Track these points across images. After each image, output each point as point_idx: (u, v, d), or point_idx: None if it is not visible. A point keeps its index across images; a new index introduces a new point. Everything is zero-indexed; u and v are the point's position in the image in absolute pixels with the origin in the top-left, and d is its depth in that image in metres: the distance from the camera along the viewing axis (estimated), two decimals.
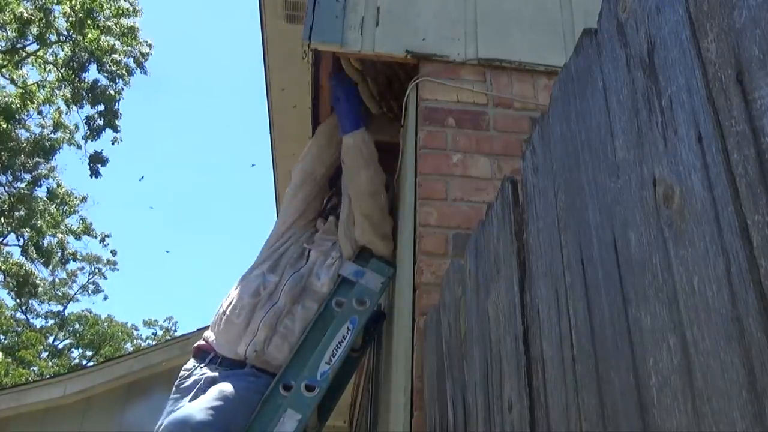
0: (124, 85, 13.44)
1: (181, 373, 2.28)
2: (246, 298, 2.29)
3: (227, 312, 2.28)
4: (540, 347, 0.96)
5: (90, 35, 12.60)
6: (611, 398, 0.74)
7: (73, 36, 12.71)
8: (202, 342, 2.33)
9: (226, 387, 2.11)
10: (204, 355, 2.26)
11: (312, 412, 2.05)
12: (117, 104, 13.33)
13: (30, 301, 18.27)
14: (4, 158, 13.04)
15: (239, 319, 2.24)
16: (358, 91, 2.51)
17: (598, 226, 0.82)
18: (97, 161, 13.70)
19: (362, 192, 2.39)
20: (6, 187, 13.82)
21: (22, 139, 13.50)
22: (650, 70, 0.73)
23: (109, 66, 13.03)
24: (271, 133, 4.50)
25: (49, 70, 13.33)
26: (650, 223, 0.70)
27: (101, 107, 13.27)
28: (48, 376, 14.00)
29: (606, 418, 0.75)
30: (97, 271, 19.72)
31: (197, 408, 2.03)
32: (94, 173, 13.72)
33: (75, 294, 19.86)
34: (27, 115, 13.47)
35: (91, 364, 16.45)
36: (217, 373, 2.18)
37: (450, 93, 2.24)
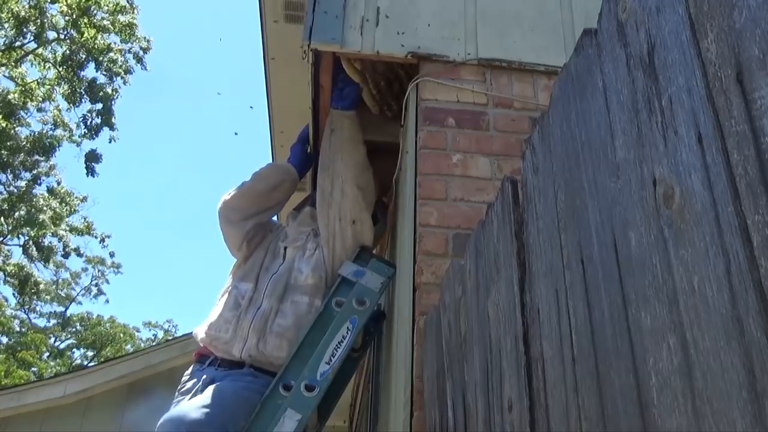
0: (123, 83, 13.45)
1: (183, 378, 2.29)
2: (227, 313, 2.29)
3: (213, 333, 2.26)
4: (540, 347, 0.96)
5: (86, 33, 12.60)
6: (611, 398, 0.74)
7: (71, 33, 12.71)
8: (201, 347, 2.32)
9: (224, 386, 2.11)
10: (204, 359, 2.27)
11: (312, 412, 2.04)
12: (113, 102, 13.34)
13: (33, 301, 18.27)
14: (3, 156, 13.04)
15: (228, 334, 2.23)
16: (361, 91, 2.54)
17: (598, 226, 0.82)
18: (92, 159, 13.70)
19: (359, 164, 2.42)
20: (5, 186, 13.82)
21: (22, 137, 13.50)
22: (650, 70, 0.73)
23: (107, 64, 13.03)
24: (271, 133, 4.50)
25: (48, 67, 13.33)
26: (650, 223, 0.69)
27: (99, 105, 13.28)
28: (48, 376, 14.01)
29: (606, 418, 0.75)
30: (100, 274, 19.71)
31: (193, 406, 2.02)
32: (90, 172, 13.72)
33: (77, 295, 19.87)
34: (27, 113, 13.48)
35: (92, 364, 16.44)
36: (215, 374, 2.18)
37: (450, 93, 2.24)
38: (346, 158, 2.41)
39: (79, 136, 13.65)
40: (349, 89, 2.49)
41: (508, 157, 2.12)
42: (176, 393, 2.23)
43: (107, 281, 19.93)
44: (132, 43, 13.38)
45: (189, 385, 2.21)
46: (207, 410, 2.01)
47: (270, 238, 2.51)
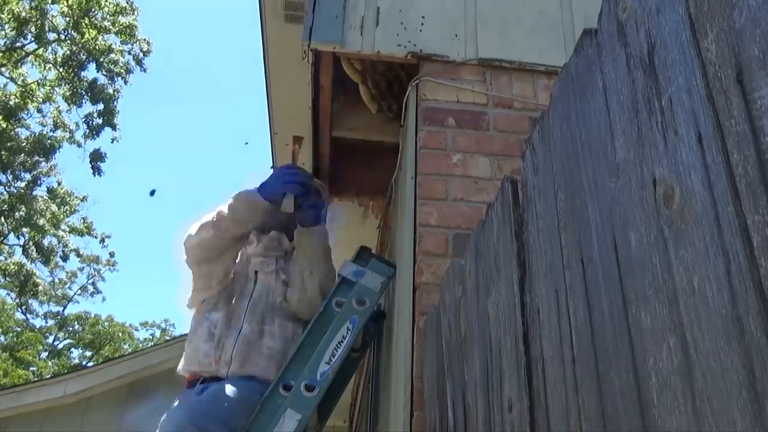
0: (124, 83, 13.47)
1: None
2: (204, 346, 2.22)
3: (196, 368, 2.21)
4: (540, 347, 0.96)
5: (87, 34, 12.61)
6: (611, 398, 0.74)
7: (71, 34, 12.73)
8: (188, 375, 2.25)
9: (225, 386, 2.11)
10: (195, 381, 2.21)
11: (312, 412, 2.04)
12: (115, 102, 13.36)
13: (30, 302, 18.28)
14: (4, 157, 13.05)
15: (212, 366, 2.18)
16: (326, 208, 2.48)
17: (598, 226, 0.82)
18: (97, 159, 13.72)
19: (324, 275, 2.34)
20: (6, 187, 13.82)
21: (22, 137, 13.51)
22: (650, 70, 0.73)
23: (108, 64, 13.05)
24: (271, 133, 4.49)
25: (49, 68, 13.34)
26: (650, 223, 0.70)
27: (100, 106, 13.29)
28: (48, 377, 14.01)
29: (606, 418, 0.75)
30: (96, 272, 19.69)
31: (194, 402, 2.03)
32: (96, 171, 13.74)
33: (74, 295, 19.86)
34: (27, 114, 13.49)
35: (91, 364, 16.45)
36: (210, 384, 2.16)
37: (450, 93, 2.24)
38: (317, 270, 2.34)
39: (81, 137, 13.68)
40: (315, 207, 2.37)
41: (508, 157, 2.12)
42: (175, 399, 2.23)
43: (103, 279, 19.94)
44: (132, 45, 13.39)
45: (186, 394, 2.20)
46: (208, 406, 2.01)
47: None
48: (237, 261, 2.43)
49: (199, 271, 2.33)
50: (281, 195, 2.30)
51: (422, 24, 2.36)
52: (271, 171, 2.50)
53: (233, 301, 2.32)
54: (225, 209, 2.27)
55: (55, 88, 13.54)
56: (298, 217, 2.36)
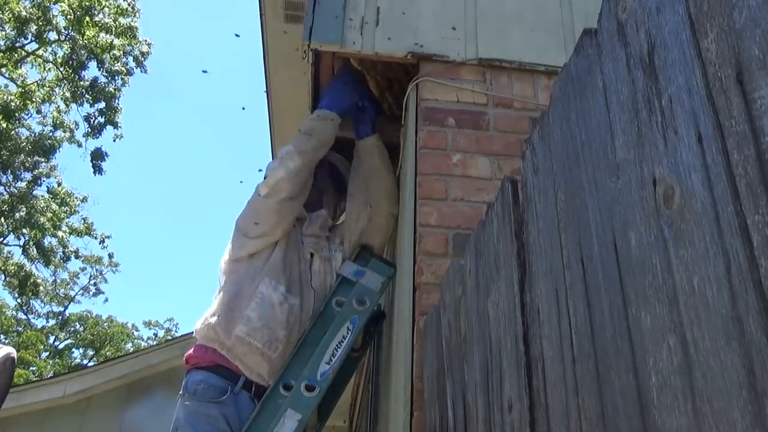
0: (123, 84, 13.46)
1: (207, 388, 2.09)
2: (278, 330, 2.14)
3: (256, 343, 2.10)
4: (540, 347, 0.96)
5: (88, 33, 12.61)
6: (611, 398, 0.74)
7: (72, 34, 12.72)
8: (222, 358, 2.13)
9: None
10: (233, 376, 2.11)
11: (312, 412, 2.04)
12: (117, 100, 13.35)
13: (31, 302, 18.27)
14: (4, 157, 13.04)
15: (276, 353, 2.12)
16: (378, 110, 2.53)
17: (598, 226, 0.82)
18: (98, 158, 13.73)
19: (391, 192, 2.40)
20: (6, 187, 13.82)
21: (22, 138, 13.51)
22: (650, 70, 0.73)
23: (108, 64, 13.05)
24: (271, 133, 4.50)
25: (49, 68, 13.34)
26: (650, 223, 0.69)
27: (101, 105, 13.29)
28: (48, 376, 14.01)
29: (606, 418, 0.75)
30: (98, 273, 19.68)
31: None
32: (97, 170, 13.74)
33: (76, 295, 19.86)
34: (27, 114, 13.48)
35: (91, 364, 16.45)
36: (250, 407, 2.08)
37: (450, 93, 2.24)
38: (381, 190, 2.38)
39: (83, 136, 13.68)
40: (370, 115, 2.45)
41: (508, 157, 2.12)
42: (208, 402, 2.07)
43: (105, 280, 19.93)
44: (133, 47, 13.39)
45: (229, 404, 2.08)
46: None
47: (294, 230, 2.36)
48: (288, 235, 2.34)
49: (279, 208, 2.26)
50: (354, 105, 2.46)
51: (422, 24, 2.36)
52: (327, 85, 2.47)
53: (304, 290, 2.25)
54: (301, 137, 2.34)
55: (55, 89, 13.53)
56: (356, 131, 2.46)
